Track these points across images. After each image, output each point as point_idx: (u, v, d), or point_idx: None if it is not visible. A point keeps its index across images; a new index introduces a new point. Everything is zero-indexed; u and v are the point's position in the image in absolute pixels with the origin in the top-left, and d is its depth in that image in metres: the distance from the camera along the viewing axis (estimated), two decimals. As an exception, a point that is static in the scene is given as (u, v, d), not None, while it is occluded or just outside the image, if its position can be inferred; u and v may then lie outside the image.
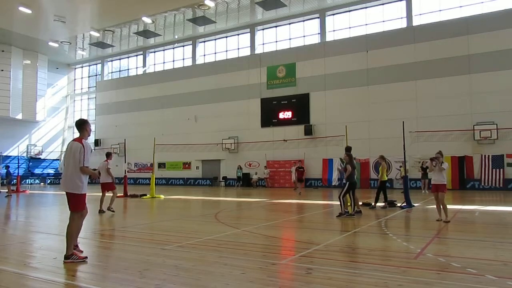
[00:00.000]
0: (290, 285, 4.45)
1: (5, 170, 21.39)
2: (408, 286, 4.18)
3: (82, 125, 5.76)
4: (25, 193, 23.03)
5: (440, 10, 24.35)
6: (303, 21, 28.90)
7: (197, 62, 33.11)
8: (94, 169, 5.93)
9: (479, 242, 6.82)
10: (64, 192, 5.66)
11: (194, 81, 31.98)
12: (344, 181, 10.62)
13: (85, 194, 5.69)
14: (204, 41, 33.29)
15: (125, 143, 22.23)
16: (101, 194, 11.98)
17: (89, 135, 5.88)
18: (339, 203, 10.26)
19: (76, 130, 5.81)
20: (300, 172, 21.46)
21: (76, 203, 5.62)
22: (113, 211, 11.43)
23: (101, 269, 5.13)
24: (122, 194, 18.59)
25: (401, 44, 24.29)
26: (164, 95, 33.47)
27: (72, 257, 5.40)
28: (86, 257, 5.50)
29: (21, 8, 26.12)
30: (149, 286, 4.22)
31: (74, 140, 5.74)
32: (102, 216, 11.11)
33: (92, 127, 41.05)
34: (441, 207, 9.14)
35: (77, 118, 35.53)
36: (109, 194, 12.05)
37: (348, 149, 10.79)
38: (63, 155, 6.92)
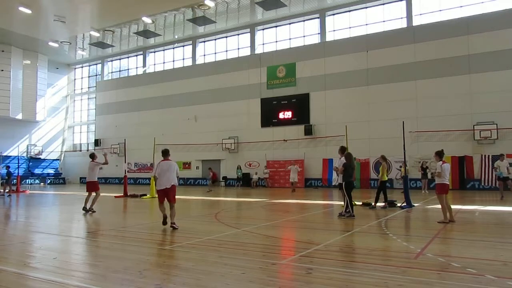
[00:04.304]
0: (290, 285, 4.45)
1: (6, 171, 21.68)
2: (408, 286, 4.18)
3: (168, 151, 8.97)
4: (25, 193, 23.05)
5: (440, 10, 24.33)
6: (303, 21, 28.89)
7: (197, 62, 33.09)
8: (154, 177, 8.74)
9: (479, 242, 6.83)
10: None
11: (194, 81, 31.96)
12: (339, 181, 10.64)
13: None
14: (204, 41, 33.28)
15: (125, 143, 22.23)
16: (87, 193, 12.32)
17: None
18: (342, 203, 10.30)
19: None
20: None
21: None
22: (93, 211, 11.70)
23: (101, 269, 5.13)
24: (122, 194, 18.63)
25: (401, 44, 24.27)
26: (164, 95, 33.45)
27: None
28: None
29: (21, 8, 26.09)
30: (149, 286, 4.22)
31: (170, 160, 8.76)
32: (102, 216, 11.12)
33: (92, 127, 41.36)
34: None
35: (77, 118, 35.60)
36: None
37: (343, 149, 10.78)
38: (159, 167, 8.25)
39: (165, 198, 8.50)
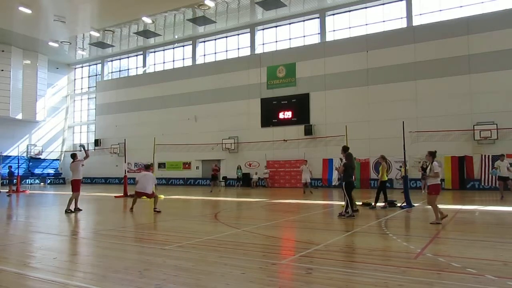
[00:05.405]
0: (290, 285, 4.45)
1: (8, 170, 21.96)
2: (408, 286, 4.17)
3: (149, 166, 12.70)
4: (25, 193, 23.06)
5: (440, 10, 24.34)
6: (303, 21, 28.89)
7: (197, 62, 33.10)
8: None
9: (479, 242, 6.82)
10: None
11: (194, 81, 31.97)
12: (340, 181, 10.62)
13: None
14: (204, 41, 33.29)
15: (125, 143, 22.21)
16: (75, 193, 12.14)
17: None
18: (343, 203, 10.28)
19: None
20: None
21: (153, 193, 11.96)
22: (71, 211, 11.60)
23: (101, 269, 5.13)
24: (122, 194, 18.62)
25: (401, 44, 24.28)
26: (164, 95, 33.46)
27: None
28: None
29: (21, 8, 26.10)
30: (149, 286, 4.22)
31: (150, 171, 12.46)
32: (102, 216, 11.12)
33: (92, 127, 41.31)
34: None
35: (77, 118, 35.94)
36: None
37: (345, 149, 10.75)
38: (140, 176, 12.26)
39: (141, 196, 12.01)
